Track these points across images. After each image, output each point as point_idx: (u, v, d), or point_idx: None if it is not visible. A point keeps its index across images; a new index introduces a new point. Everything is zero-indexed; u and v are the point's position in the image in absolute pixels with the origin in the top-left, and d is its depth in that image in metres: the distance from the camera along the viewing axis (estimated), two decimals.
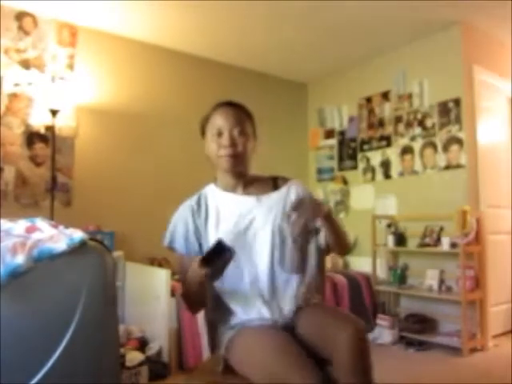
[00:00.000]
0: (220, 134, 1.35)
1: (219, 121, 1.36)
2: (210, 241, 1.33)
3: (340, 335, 1.14)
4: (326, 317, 1.25)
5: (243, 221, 1.35)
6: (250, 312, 1.30)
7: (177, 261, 1.43)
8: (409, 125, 3.92)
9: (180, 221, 1.42)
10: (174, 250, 1.44)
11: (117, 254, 3.08)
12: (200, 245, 1.39)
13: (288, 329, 1.26)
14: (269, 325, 1.26)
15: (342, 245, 1.40)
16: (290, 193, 1.41)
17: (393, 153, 4.04)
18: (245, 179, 1.42)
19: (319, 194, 4.68)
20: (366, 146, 4.31)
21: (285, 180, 1.46)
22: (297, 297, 1.32)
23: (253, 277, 1.32)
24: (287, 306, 1.30)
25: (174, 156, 3.95)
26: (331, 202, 4.58)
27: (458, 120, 3.54)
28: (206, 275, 1.16)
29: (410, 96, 3.93)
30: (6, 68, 3.17)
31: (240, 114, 1.39)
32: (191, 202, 1.45)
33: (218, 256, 1.15)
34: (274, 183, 1.45)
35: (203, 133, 1.46)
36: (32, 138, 3.25)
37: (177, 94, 4.03)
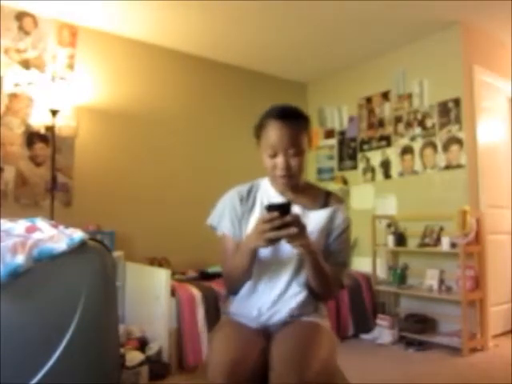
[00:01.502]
0: (275, 155, 1.32)
1: (273, 139, 1.30)
2: (250, 229, 1.34)
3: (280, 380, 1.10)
4: (290, 350, 1.16)
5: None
6: (247, 306, 1.34)
7: (222, 242, 1.42)
8: (409, 125, 3.92)
9: (228, 205, 1.42)
10: (216, 230, 1.44)
11: (117, 253, 3.08)
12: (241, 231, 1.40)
13: (266, 333, 1.30)
14: (251, 326, 1.30)
15: (318, 288, 1.33)
16: (335, 217, 1.39)
17: (393, 153, 4.04)
18: (296, 184, 1.40)
19: None
20: (365, 146, 4.31)
21: (336, 199, 1.44)
22: (294, 310, 1.32)
23: (270, 280, 1.33)
24: (282, 313, 1.31)
25: (174, 156, 3.95)
26: None
27: (458, 120, 3.54)
28: (266, 221, 1.16)
29: (409, 96, 3.93)
30: (5, 68, 3.17)
31: (296, 129, 1.32)
32: (242, 189, 1.45)
33: (281, 213, 1.16)
34: (326, 199, 1.43)
35: (258, 137, 1.39)
36: (32, 138, 3.25)
37: (177, 94, 4.03)
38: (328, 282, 1.32)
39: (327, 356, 1.20)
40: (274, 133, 1.31)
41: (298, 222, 1.17)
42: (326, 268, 1.31)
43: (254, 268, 1.33)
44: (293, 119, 1.33)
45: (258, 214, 1.37)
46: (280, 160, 1.31)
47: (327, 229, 1.38)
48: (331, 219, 1.38)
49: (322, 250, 1.35)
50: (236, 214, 1.40)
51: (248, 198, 1.42)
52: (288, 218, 1.15)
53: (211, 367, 1.13)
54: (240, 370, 1.10)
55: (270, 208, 1.18)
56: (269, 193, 1.42)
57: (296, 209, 1.35)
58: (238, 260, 1.30)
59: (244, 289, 1.36)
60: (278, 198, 1.39)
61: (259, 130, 1.37)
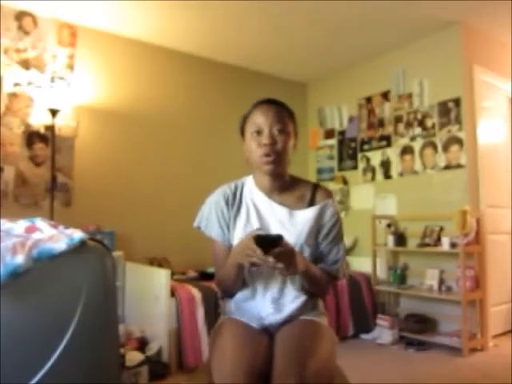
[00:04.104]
0: (260, 132, 1.30)
1: (259, 118, 1.31)
2: (236, 235, 1.34)
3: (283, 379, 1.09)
4: (290, 351, 1.15)
5: (271, 232, 1.32)
6: (247, 310, 1.33)
7: (212, 246, 1.41)
8: (409, 125, 3.92)
9: (215, 208, 1.39)
10: (204, 233, 1.42)
11: (117, 254, 3.08)
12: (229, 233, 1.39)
13: (268, 332, 1.29)
14: (253, 325, 1.27)
15: (312, 290, 1.34)
16: (324, 214, 1.36)
17: (393, 153, 4.04)
18: (282, 181, 1.38)
19: None
20: (366, 146, 4.31)
21: (325, 193, 1.40)
22: (294, 311, 1.31)
23: (265, 286, 1.32)
24: (283, 316, 1.30)
25: (174, 155, 3.95)
26: None
27: (458, 120, 3.54)
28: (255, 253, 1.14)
29: (409, 96, 3.93)
30: (5, 68, 3.17)
31: (281, 111, 1.34)
32: (227, 189, 1.42)
33: (270, 245, 1.14)
34: (313, 195, 1.38)
35: (242, 133, 1.39)
36: (32, 137, 3.25)
37: (177, 94, 4.03)
38: (321, 285, 1.33)
39: (327, 356, 1.20)
40: (259, 113, 1.32)
41: (288, 255, 1.16)
42: (318, 274, 1.31)
43: (246, 276, 1.33)
44: (279, 105, 1.35)
45: (244, 216, 1.35)
46: (265, 133, 1.30)
47: (317, 226, 1.35)
48: (320, 216, 1.35)
49: (313, 249, 1.34)
50: (224, 219, 1.38)
51: (234, 201, 1.39)
52: (272, 260, 1.13)
53: (224, 371, 1.10)
54: (254, 371, 1.09)
55: (259, 239, 1.14)
56: (253, 192, 1.39)
57: (283, 212, 1.33)
58: (228, 270, 1.29)
59: (242, 294, 1.35)
60: (262, 198, 1.36)
61: (244, 123, 1.37)
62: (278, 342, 1.21)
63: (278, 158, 1.30)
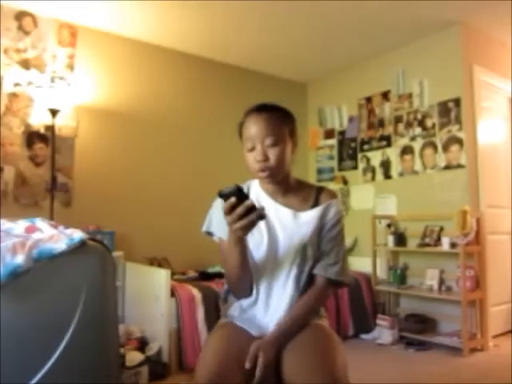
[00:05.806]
0: (253, 148, 1.29)
1: (251, 131, 1.29)
2: None
3: None
4: (301, 362, 1.15)
5: (276, 234, 1.32)
6: (249, 315, 1.32)
7: (221, 247, 1.39)
8: (409, 125, 3.92)
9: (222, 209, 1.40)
10: (213, 236, 1.42)
11: (117, 254, 3.08)
12: None
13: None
14: (251, 332, 1.26)
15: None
16: (327, 213, 1.35)
17: (393, 153, 4.04)
18: (286, 185, 1.37)
19: None
20: (366, 146, 4.31)
21: (328, 195, 1.40)
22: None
23: (267, 293, 1.32)
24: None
25: (174, 156, 3.95)
26: None
27: (458, 120, 3.54)
28: (227, 209, 1.12)
29: (409, 96, 3.92)
30: (5, 68, 3.17)
31: (273, 119, 1.30)
32: None
33: (238, 200, 1.11)
34: (317, 196, 1.39)
35: (241, 137, 1.38)
36: (32, 137, 3.25)
37: (177, 94, 4.03)
38: (315, 309, 1.34)
39: (342, 358, 1.20)
40: (251, 125, 1.30)
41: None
42: (307, 307, 1.29)
43: (252, 280, 1.31)
44: (269, 111, 1.31)
45: None
46: (258, 150, 1.28)
47: (320, 226, 1.34)
48: (323, 216, 1.35)
49: (316, 249, 1.33)
50: None
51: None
52: (246, 204, 1.10)
53: (199, 367, 1.17)
54: (227, 372, 1.11)
55: (222, 196, 1.13)
56: (259, 195, 1.40)
57: (288, 214, 1.33)
58: (232, 256, 1.26)
59: (246, 301, 1.34)
60: (267, 200, 1.36)
61: (241, 132, 1.36)
62: (288, 352, 1.20)
63: (272, 172, 1.29)
